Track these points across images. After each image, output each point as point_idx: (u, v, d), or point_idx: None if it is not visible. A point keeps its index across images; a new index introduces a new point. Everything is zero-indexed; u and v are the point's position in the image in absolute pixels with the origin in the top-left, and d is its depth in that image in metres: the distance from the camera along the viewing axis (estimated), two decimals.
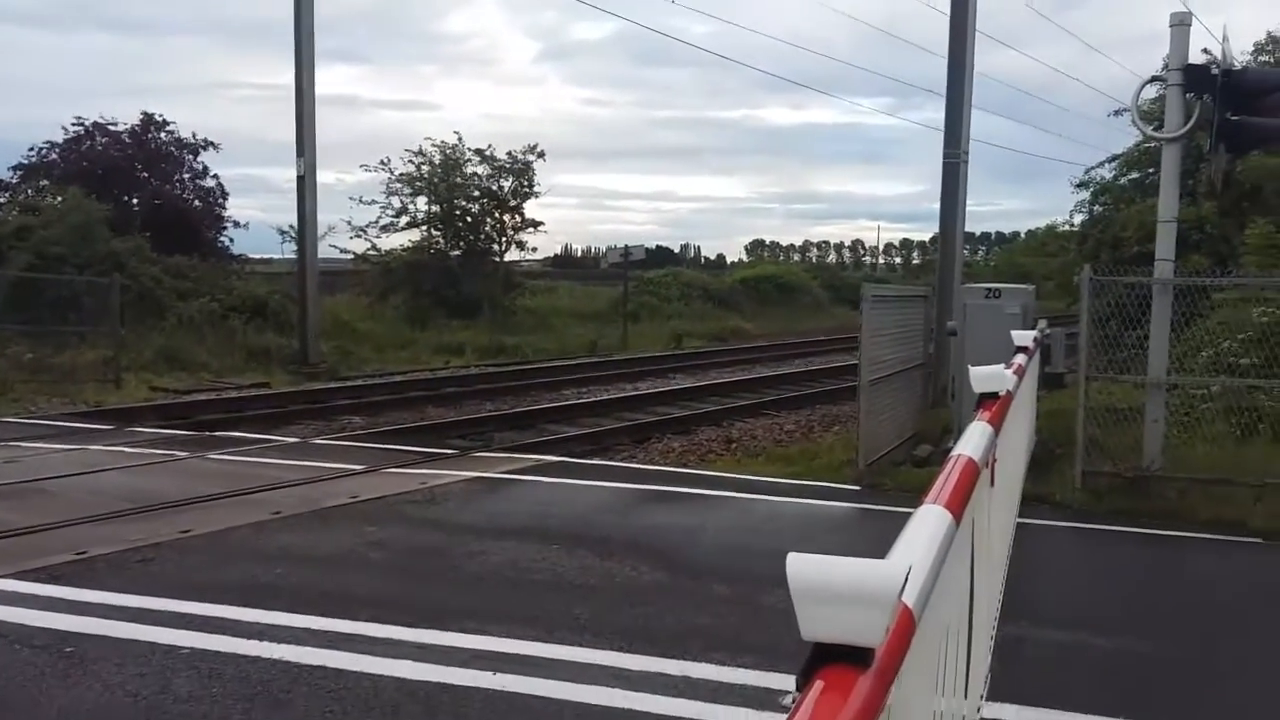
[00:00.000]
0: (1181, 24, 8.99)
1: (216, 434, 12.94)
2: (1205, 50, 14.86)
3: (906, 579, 1.36)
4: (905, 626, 1.49)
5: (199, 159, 28.39)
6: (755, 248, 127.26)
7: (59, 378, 17.31)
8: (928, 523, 2.01)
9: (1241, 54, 18.28)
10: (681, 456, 13.04)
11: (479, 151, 31.10)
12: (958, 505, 2.27)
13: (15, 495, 8.95)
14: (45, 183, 26.00)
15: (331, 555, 7.15)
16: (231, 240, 29.22)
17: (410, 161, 30.56)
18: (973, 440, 3.12)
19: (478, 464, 10.88)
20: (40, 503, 8.66)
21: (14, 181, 26.61)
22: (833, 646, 1.23)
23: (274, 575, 6.62)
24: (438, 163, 30.62)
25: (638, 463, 12.36)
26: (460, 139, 30.99)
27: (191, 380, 18.80)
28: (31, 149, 26.95)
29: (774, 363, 26.07)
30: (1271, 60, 18.66)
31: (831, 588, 1.30)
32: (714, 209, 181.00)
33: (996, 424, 3.78)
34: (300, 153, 21.46)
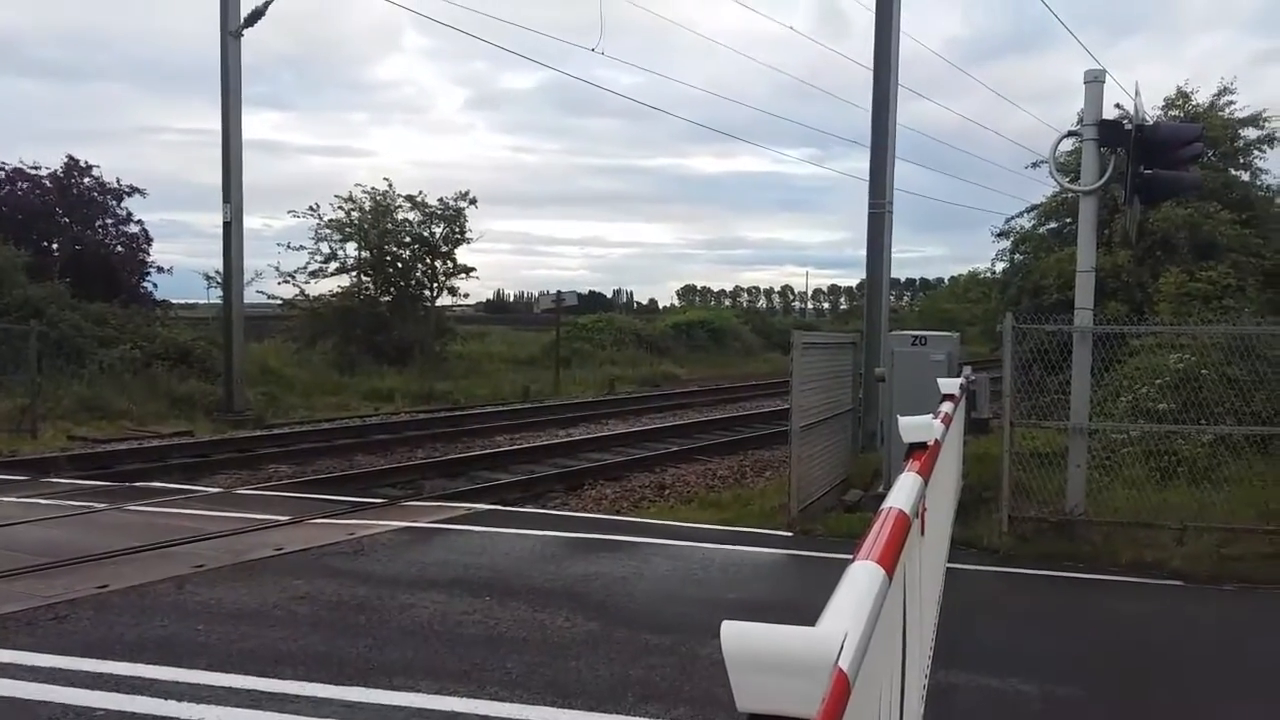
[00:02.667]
0: (1096, 81, 9.31)
1: (137, 484, 12.60)
2: (1118, 105, 15.41)
3: (842, 647, 1.36)
4: (840, 692, 1.48)
5: (123, 204, 27.92)
6: (687, 293, 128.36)
7: None
8: (861, 581, 2.02)
9: (1152, 109, 18.98)
10: (615, 503, 12.99)
11: (410, 198, 31.00)
12: (890, 560, 2.28)
13: None
14: None
15: (256, 610, 6.97)
16: (155, 286, 28.74)
17: (340, 207, 30.35)
18: (903, 491, 3.15)
19: (408, 513, 10.73)
20: None
21: None
22: (769, 717, 1.23)
23: (195, 632, 6.43)
24: (368, 209, 30.43)
25: (571, 510, 12.28)
26: (391, 185, 30.90)
27: (112, 429, 18.30)
28: None
29: (706, 408, 26.17)
30: (1181, 115, 19.38)
31: (767, 658, 1.29)
32: (644, 254, 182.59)
33: (926, 474, 3.82)
34: (227, 198, 21.18)
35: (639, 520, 10.99)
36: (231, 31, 20.96)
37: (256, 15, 21.05)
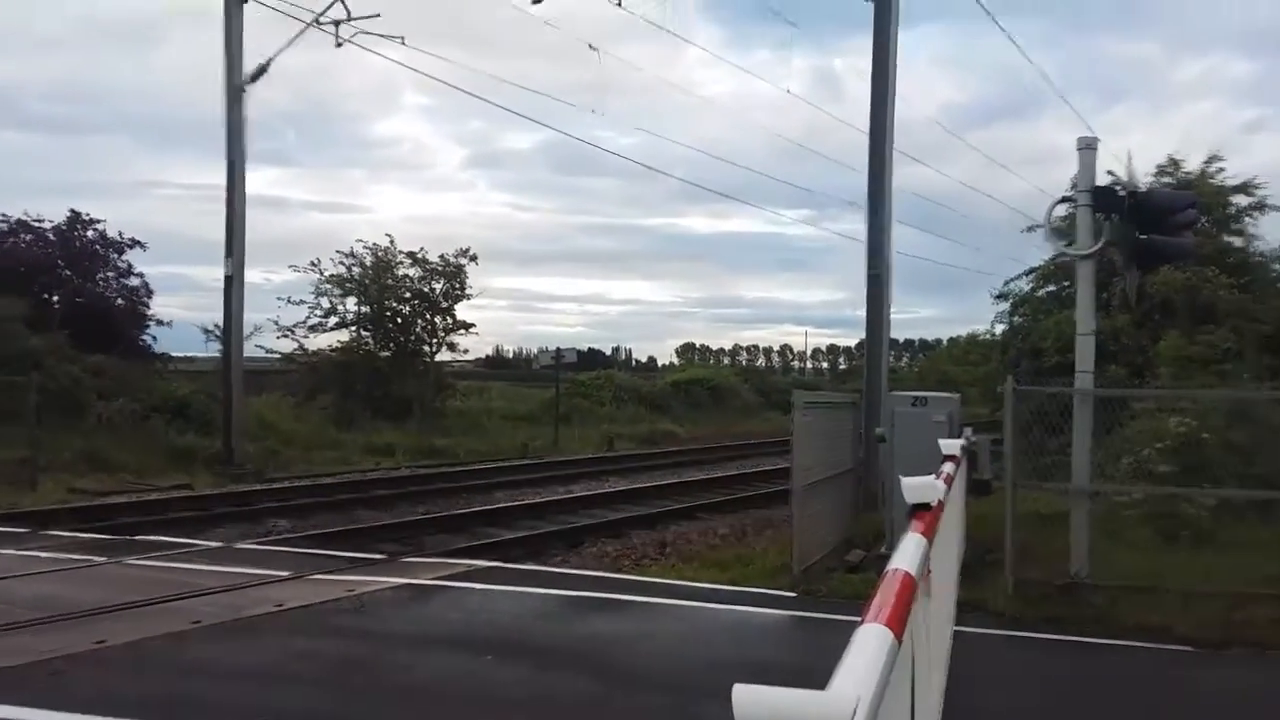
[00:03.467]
0: (1089, 148, 9.45)
1: (136, 538, 12.55)
2: (1110, 171, 15.59)
3: (855, 712, 1.38)
4: None
5: (124, 257, 28.04)
6: (686, 351, 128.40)
7: None
8: (870, 644, 2.03)
9: (1145, 175, 19.19)
10: (616, 561, 12.92)
11: (411, 254, 31.20)
12: (898, 623, 2.29)
13: None
14: None
15: (255, 668, 6.92)
16: (155, 339, 28.72)
17: (341, 263, 30.54)
18: (908, 553, 3.16)
19: (408, 570, 10.68)
20: None
21: None
22: None
23: (194, 689, 6.39)
24: (369, 264, 30.61)
25: (571, 568, 12.21)
26: (392, 241, 31.11)
27: (112, 482, 18.25)
28: None
29: (706, 466, 26.13)
30: (1173, 181, 19.60)
31: None
32: (643, 312, 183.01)
33: (930, 535, 3.84)
34: (229, 253, 21.35)
35: (640, 579, 10.93)
36: (236, 87, 21.25)
37: (260, 72, 21.37)
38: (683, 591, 9.81)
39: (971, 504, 10.83)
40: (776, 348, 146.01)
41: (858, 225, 14.48)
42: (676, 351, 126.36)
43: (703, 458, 28.12)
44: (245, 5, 21.17)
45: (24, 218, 26.90)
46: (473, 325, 32.31)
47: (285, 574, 10.08)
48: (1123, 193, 9.52)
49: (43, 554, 10.96)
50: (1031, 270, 22.45)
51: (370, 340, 31.13)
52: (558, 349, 34.78)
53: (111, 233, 27.82)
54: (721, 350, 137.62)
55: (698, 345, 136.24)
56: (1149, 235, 9.41)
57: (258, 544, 12.76)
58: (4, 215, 26.80)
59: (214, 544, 12.51)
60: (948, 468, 6.32)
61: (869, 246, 14.46)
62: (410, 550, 12.72)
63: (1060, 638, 8.35)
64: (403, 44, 20.74)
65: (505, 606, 9.04)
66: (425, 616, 8.70)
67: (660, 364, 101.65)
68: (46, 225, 27.00)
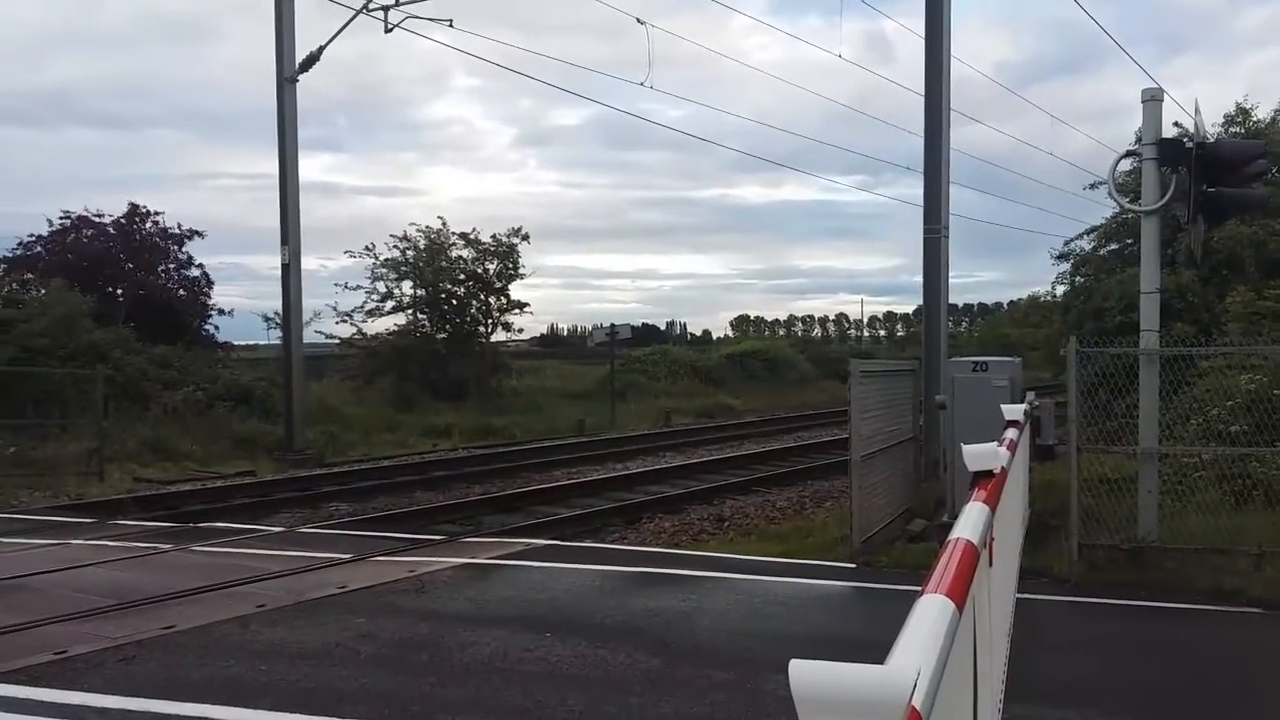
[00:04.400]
0: (1154, 99, 9.15)
1: (201, 525, 12.76)
2: (1176, 123, 15.12)
3: (915, 685, 1.31)
4: None
5: (184, 248, 28.51)
6: (740, 323, 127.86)
7: (41, 471, 17.11)
8: (931, 614, 1.95)
9: (1212, 126, 18.62)
10: (674, 536, 12.90)
11: (464, 235, 31.34)
12: (959, 593, 2.21)
13: None
14: (29, 276, 26.02)
15: (318, 649, 6.99)
16: (217, 328, 29.26)
17: (395, 247, 30.77)
18: (970, 521, 3.06)
19: (467, 549, 10.74)
20: (21, 600, 8.47)
21: None
22: None
23: (259, 672, 6.46)
24: (423, 247, 30.80)
25: (629, 544, 12.22)
26: (445, 223, 31.28)
27: (176, 470, 18.60)
28: (17, 243, 27.03)
29: (763, 439, 26.00)
30: (1242, 131, 19.00)
31: (838, 698, 1.24)
32: (696, 286, 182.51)
33: (992, 503, 3.73)
34: (285, 241, 21.57)
35: (698, 554, 10.89)
36: (287, 78, 21.41)
37: (311, 61, 21.51)
38: (741, 565, 9.75)
39: (1035, 469, 10.63)
40: (832, 317, 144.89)
41: (913, 189, 14.33)
42: (731, 324, 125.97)
43: (760, 430, 27.99)
44: None
45: (85, 213, 27.48)
46: (527, 304, 32.47)
47: (347, 556, 10.18)
48: (1189, 144, 9.22)
49: (111, 542, 11.18)
50: (1093, 229, 21.95)
51: (426, 323, 31.39)
52: (612, 325, 34.80)
53: (170, 225, 28.35)
54: (776, 321, 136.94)
55: (752, 317, 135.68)
56: (1217, 187, 9.10)
57: (319, 528, 12.92)
58: (67, 211, 27.42)
59: (277, 529, 12.69)
60: (1010, 434, 6.17)
61: (925, 209, 14.18)
62: (469, 530, 12.80)
63: (1128, 603, 8.17)
64: (451, 26, 20.70)
65: (564, 584, 9.05)
66: (485, 595, 8.73)
67: (715, 337, 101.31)
68: (107, 220, 27.56)
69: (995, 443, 4.61)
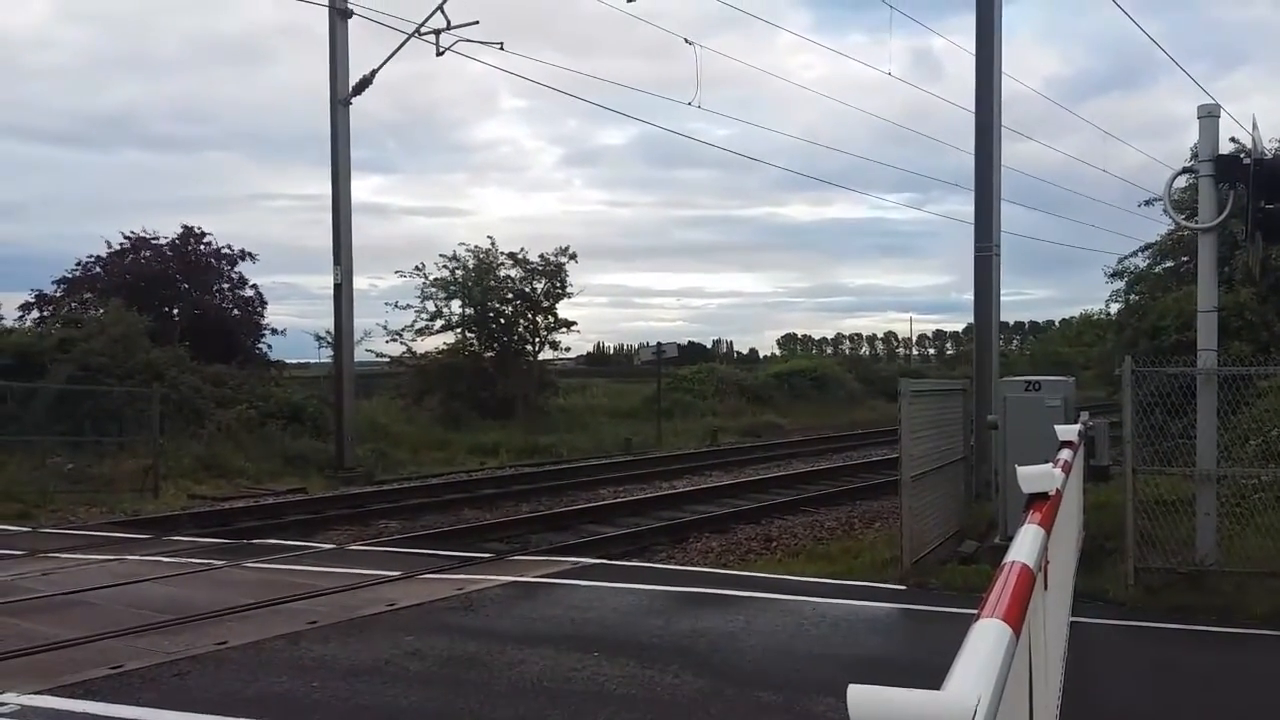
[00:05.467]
0: (1210, 115, 9.02)
1: (254, 541, 12.92)
2: (1233, 139, 14.88)
3: (975, 712, 1.29)
4: None
5: (237, 269, 29.01)
6: (787, 342, 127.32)
7: (98, 487, 17.44)
8: (988, 639, 1.92)
9: (1270, 142, 18.31)
10: (721, 556, 12.85)
11: (512, 255, 31.57)
12: (1016, 618, 2.18)
13: (53, 608, 8.92)
14: (88, 296, 26.60)
15: (368, 667, 7.03)
16: (270, 347, 29.69)
17: (445, 266, 31.05)
18: (1025, 544, 3.02)
19: (515, 568, 10.76)
20: (78, 615, 8.62)
21: (58, 295, 27.23)
22: None
23: (310, 688, 6.51)
24: (471, 267, 31.06)
25: (677, 563, 12.19)
26: (494, 243, 31.53)
27: (229, 487, 18.87)
28: (76, 264, 27.65)
29: (811, 458, 25.84)
30: None
31: None
32: (743, 304, 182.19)
33: (1047, 525, 3.67)
34: (337, 261, 21.88)
35: (746, 574, 10.83)
36: (340, 100, 21.75)
37: (363, 84, 21.84)
38: (789, 586, 9.68)
39: (1089, 491, 10.46)
40: (881, 335, 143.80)
41: (962, 206, 14.27)
42: (778, 342, 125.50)
43: (807, 449, 27.82)
44: (349, 21, 21.67)
45: (142, 234, 28.07)
46: (574, 323, 32.60)
47: (396, 574, 10.25)
48: (1247, 161, 9.06)
49: (166, 558, 11.35)
50: (1148, 246, 21.68)
51: (475, 341, 31.62)
52: (658, 344, 34.81)
53: (223, 245, 28.87)
54: (824, 340, 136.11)
55: (799, 335, 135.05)
56: (1275, 204, 8.93)
57: (369, 545, 13.02)
58: (127, 233, 28.02)
59: (327, 546, 12.81)
60: (1064, 454, 6.08)
61: (976, 228, 14.09)
62: (516, 548, 12.83)
63: (1185, 627, 8.00)
64: (501, 49, 20.93)
65: (611, 603, 9.03)
66: (532, 614, 8.74)
67: (762, 355, 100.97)
68: (163, 241, 28.12)
69: (1049, 464, 4.54)
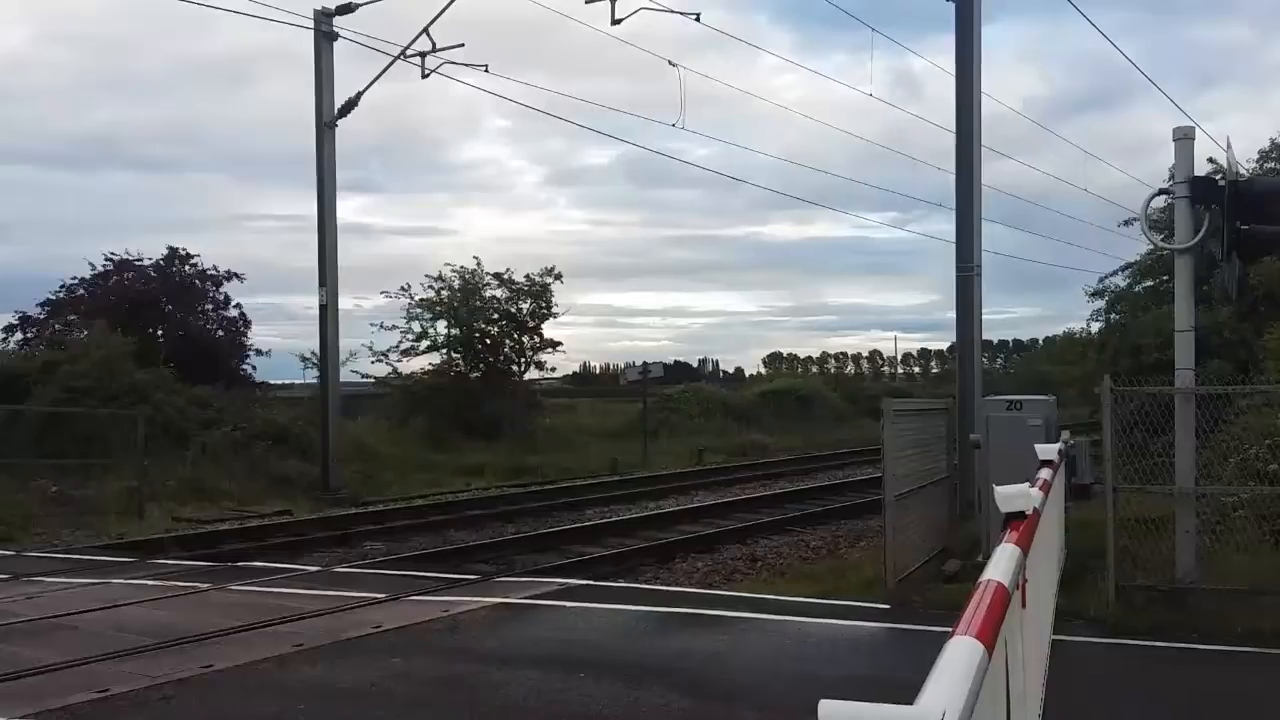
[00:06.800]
0: (1185, 138, 9.16)
1: (239, 564, 12.89)
2: (1211, 160, 15.07)
3: None
4: None
5: (222, 290, 28.95)
6: (773, 360, 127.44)
7: (83, 510, 17.35)
8: (959, 657, 1.98)
9: (1246, 162, 18.56)
10: (707, 576, 12.89)
11: (497, 275, 31.61)
12: (989, 635, 2.24)
13: (38, 632, 8.90)
14: (73, 318, 26.51)
15: (354, 689, 7.05)
16: (254, 368, 29.59)
17: (430, 287, 31.08)
18: (1001, 564, 3.09)
19: (501, 589, 10.78)
20: (62, 639, 8.60)
21: (41, 317, 27.13)
22: None
23: (297, 711, 6.53)
24: (457, 287, 31.09)
25: (663, 584, 12.22)
26: (479, 263, 31.57)
27: (215, 509, 18.80)
28: (60, 286, 27.56)
29: (796, 477, 25.92)
30: (1276, 167, 18.91)
31: None
32: (728, 323, 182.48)
33: (1024, 544, 3.74)
34: (322, 282, 21.90)
35: (732, 594, 10.87)
36: (326, 123, 21.82)
37: (349, 106, 21.90)
38: (775, 606, 9.72)
39: (1071, 509, 10.56)
40: (866, 354, 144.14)
41: (945, 226, 14.39)
42: (764, 361, 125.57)
43: (793, 469, 27.90)
44: (335, 43, 21.77)
45: (126, 256, 28.01)
46: (560, 343, 32.64)
47: (382, 596, 10.25)
48: (1222, 182, 9.21)
49: (151, 581, 11.32)
50: (1128, 265, 21.89)
51: (461, 362, 31.62)
52: (644, 363, 34.89)
53: (208, 266, 28.83)
54: (810, 358, 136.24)
55: (785, 354, 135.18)
56: (1251, 225, 9.07)
57: (355, 567, 13.01)
58: (110, 254, 27.95)
59: (313, 568, 12.78)
60: (1044, 474, 6.16)
61: (958, 248, 14.23)
62: (503, 569, 12.84)
63: (1166, 645, 8.08)
64: (486, 71, 21.04)
65: (597, 624, 9.06)
66: (519, 635, 8.76)
67: (748, 374, 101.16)
68: (147, 262, 28.06)
69: (1028, 483, 4.62)
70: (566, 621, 9.19)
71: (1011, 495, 4.10)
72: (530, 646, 8.25)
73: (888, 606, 9.48)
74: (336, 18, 21.60)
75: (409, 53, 21.05)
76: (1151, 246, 19.39)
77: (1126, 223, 23.61)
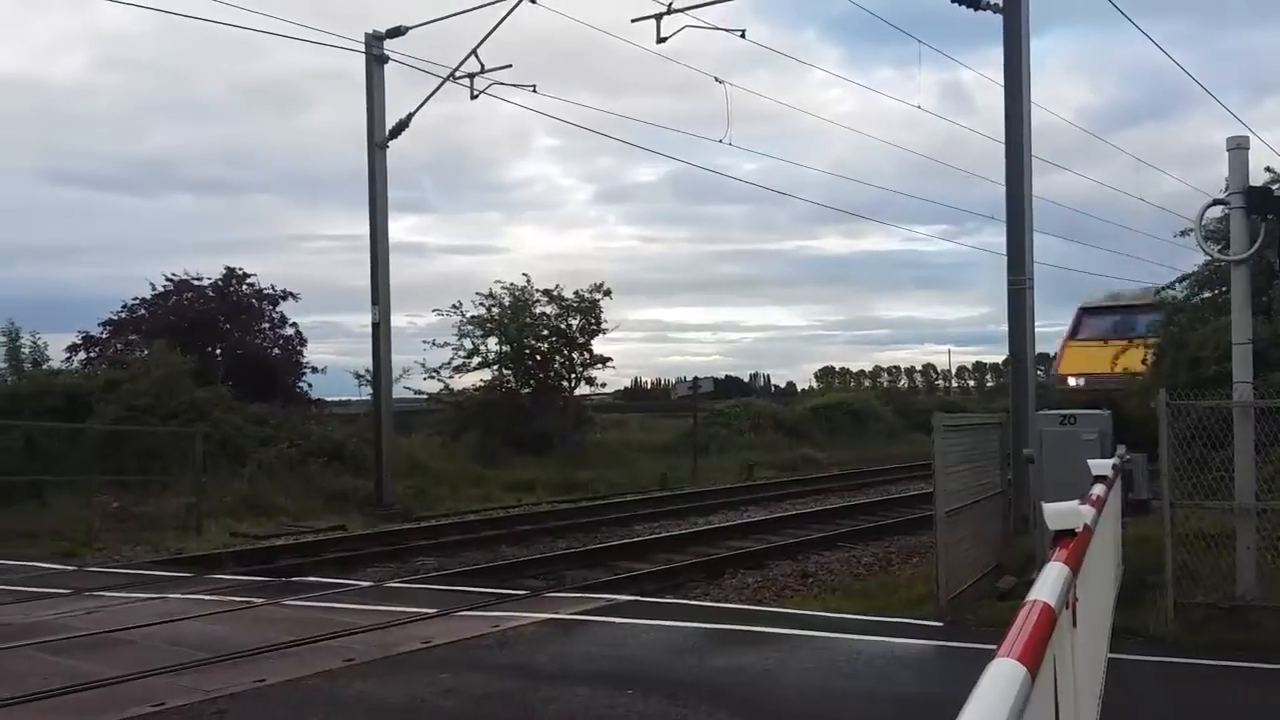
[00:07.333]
0: (1239, 148, 8.99)
1: (293, 579, 13.05)
2: (1268, 168, 14.75)
3: None
4: None
5: (278, 309, 29.43)
6: (825, 374, 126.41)
7: (143, 525, 17.69)
8: (1000, 680, 1.96)
9: None
10: (756, 593, 12.82)
11: (547, 292, 31.79)
12: (1032, 657, 2.21)
13: (97, 646, 9.07)
14: (134, 337, 27.09)
15: (404, 704, 7.10)
16: (310, 385, 30.01)
17: (481, 304, 31.33)
18: (1048, 583, 3.04)
19: (550, 605, 10.80)
20: (120, 653, 8.76)
21: (104, 337, 27.75)
22: None
23: None
24: (508, 304, 31.31)
25: (712, 600, 12.17)
26: (529, 280, 31.78)
27: (270, 525, 19.06)
28: (122, 306, 28.18)
29: (848, 492, 25.71)
30: None
31: None
32: (778, 338, 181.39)
33: (1073, 563, 3.68)
34: (375, 301, 22.16)
35: (782, 611, 10.80)
36: (378, 144, 22.13)
37: (400, 128, 22.19)
38: (826, 623, 9.64)
39: (1129, 525, 10.36)
40: (919, 368, 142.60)
41: (998, 238, 14.19)
42: (815, 375, 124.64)
43: (845, 484, 27.69)
44: (385, 66, 22.09)
45: (185, 276, 28.59)
46: (609, 359, 32.71)
47: (433, 611, 10.32)
48: (1278, 192, 9.02)
49: (207, 596, 11.50)
50: (1185, 276, 21.41)
51: (511, 378, 31.82)
52: (694, 379, 34.85)
53: (265, 286, 29.33)
54: (861, 372, 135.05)
55: (837, 368, 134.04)
56: None
57: (407, 582, 13.11)
58: (170, 275, 28.55)
59: (365, 583, 12.91)
60: (1097, 490, 6.07)
61: (1010, 260, 14.07)
62: (552, 585, 12.87)
63: (1225, 664, 7.89)
64: (534, 91, 21.22)
65: (646, 640, 9.05)
66: (567, 651, 8.77)
67: (799, 389, 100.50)
68: (205, 282, 28.62)
69: (1078, 500, 4.55)
70: (615, 638, 9.18)
71: (1061, 513, 4.04)
72: (579, 663, 8.26)
73: (940, 624, 9.36)
74: (387, 41, 21.93)
75: (458, 74, 21.29)
76: (1206, 258, 19.02)
77: (1183, 233, 23.06)
